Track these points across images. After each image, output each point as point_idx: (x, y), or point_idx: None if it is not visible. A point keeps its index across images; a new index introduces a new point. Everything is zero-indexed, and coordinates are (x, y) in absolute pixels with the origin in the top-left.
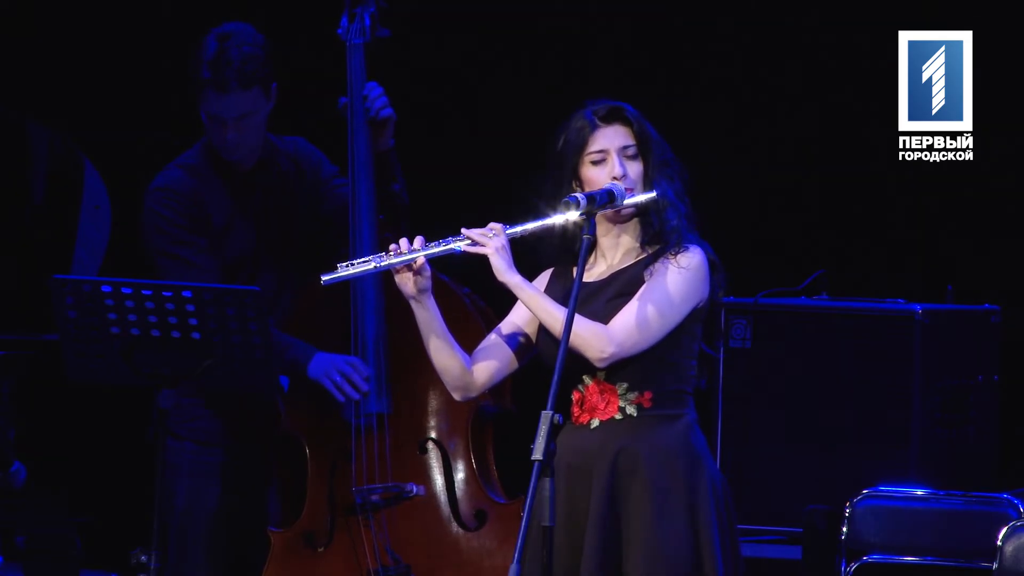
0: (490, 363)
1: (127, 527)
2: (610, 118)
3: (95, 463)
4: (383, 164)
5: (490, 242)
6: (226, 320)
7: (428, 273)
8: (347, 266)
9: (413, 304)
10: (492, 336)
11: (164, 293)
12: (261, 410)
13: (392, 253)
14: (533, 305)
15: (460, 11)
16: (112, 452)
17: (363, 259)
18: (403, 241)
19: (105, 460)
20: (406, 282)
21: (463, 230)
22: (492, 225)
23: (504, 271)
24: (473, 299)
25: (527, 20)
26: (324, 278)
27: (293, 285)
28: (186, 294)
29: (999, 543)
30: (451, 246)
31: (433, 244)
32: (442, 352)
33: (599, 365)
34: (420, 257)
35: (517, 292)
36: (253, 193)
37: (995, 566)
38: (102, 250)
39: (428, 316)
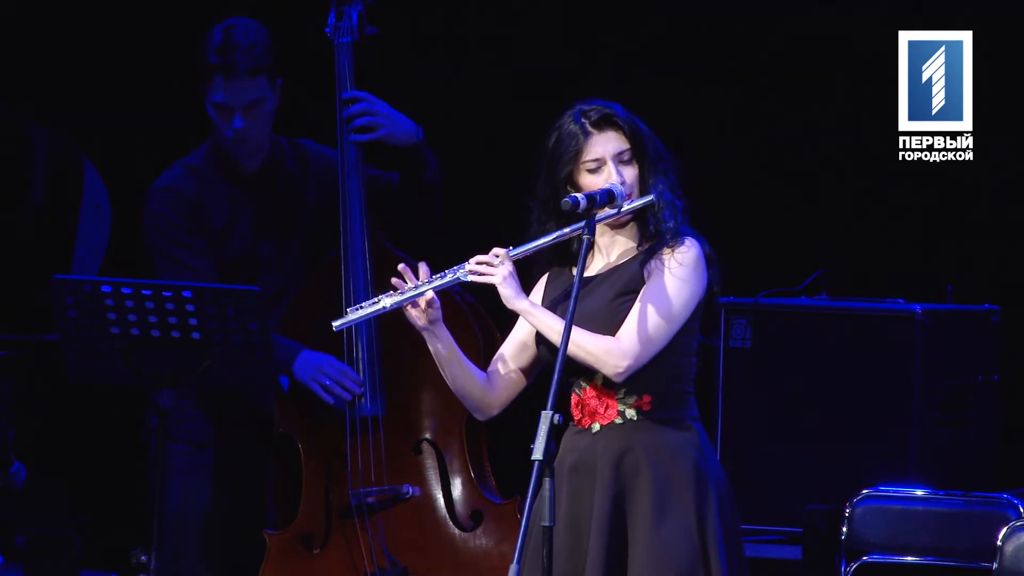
0: (506, 383)
1: (127, 527)
2: (602, 124)
3: (95, 463)
4: (412, 158)
5: (496, 271)
6: (226, 320)
7: (438, 304)
8: (356, 309)
9: (426, 335)
10: (501, 355)
11: (164, 293)
12: (257, 411)
13: (399, 290)
14: (543, 328)
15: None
16: (112, 452)
17: (372, 300)
18: (409, 276)
19: (105, 460)
20: (417, 317)
21: (469, 262)
22: (496, 251)
23: (513, 298)
24: (464, 296)
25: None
26: (335, 324)
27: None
28: (186, 294)
29: (999, 543)
30: (457, 275)
31: (438, 276)
32: (460, 378)
33: (617, 380)
34: (428, 291)
35: (527, 317)
36: (257, 195)
37: (995, 566)
38: (102, 250)
39: (442, 346)
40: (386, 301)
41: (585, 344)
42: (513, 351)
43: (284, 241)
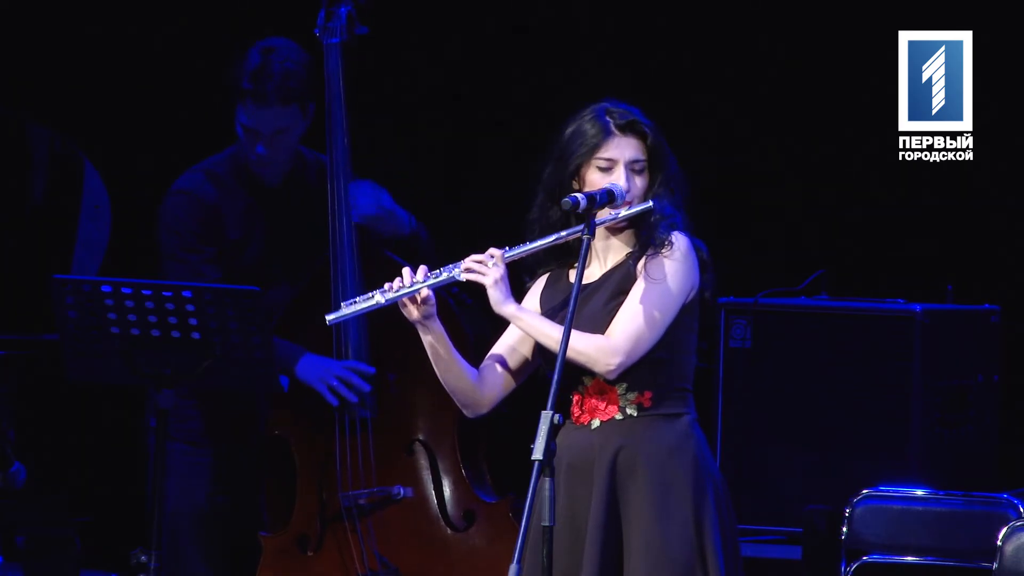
0: (495, 383)
1: (127, 527)
2: (627, 128)
3: (95, 463)
4: (405, 241)
5: (489, 272)
6: (226, 320)
7: (433, 300)
8: (351, 303)
9: (419, 328)
10: (492, 356)
11: (164, 293)
12: (254, 412)
13: (395, 287)
14: (532, 332)
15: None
16: (112, 452)
17: (366, 296)
18: (406, 272)
19: (105, 460)
20: (411, 312)
21: (465, 261)
22: (491, 251)
23: (501, 303)
24: (459, 299)
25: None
26: (328, 318)
27: None
28: (186, 294)
29: (999, 543)
30: (452, 274)
31: (434, 274)
32: (451, 373)
33: (610, 377)
34: (423, 289)
35: (515, 322)
36: (276, 208)
37: (995, 566)
38: (102, 250)
39: (434, 340)
40: (380, 297)
41: (576, 344)
42: (504, 353)
43: (297, 255)
